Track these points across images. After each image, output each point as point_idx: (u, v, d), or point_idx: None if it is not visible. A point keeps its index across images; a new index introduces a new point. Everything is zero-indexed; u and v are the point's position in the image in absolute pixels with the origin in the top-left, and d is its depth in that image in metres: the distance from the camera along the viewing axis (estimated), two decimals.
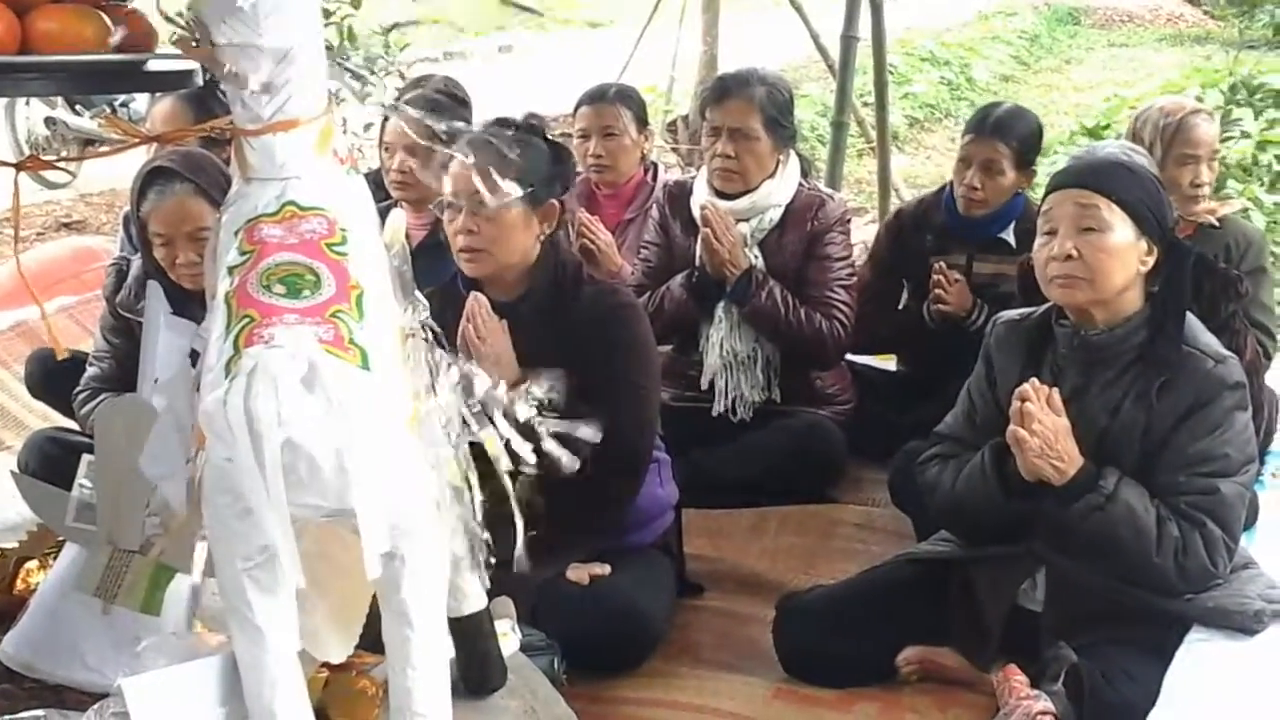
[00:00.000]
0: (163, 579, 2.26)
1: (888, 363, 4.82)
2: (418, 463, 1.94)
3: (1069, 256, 2.78)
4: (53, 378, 4.12)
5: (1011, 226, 4.31)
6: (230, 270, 1.90)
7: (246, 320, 1.82)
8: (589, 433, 2.20)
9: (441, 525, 2.00)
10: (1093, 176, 2.85)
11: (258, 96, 1.90)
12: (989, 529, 2.96)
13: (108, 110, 9.17)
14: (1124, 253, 2.79)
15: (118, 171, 7.76)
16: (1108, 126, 9.68)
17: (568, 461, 2.10)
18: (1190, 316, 2.87)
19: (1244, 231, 4.09)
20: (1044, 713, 2.60)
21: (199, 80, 2.28)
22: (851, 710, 2.96)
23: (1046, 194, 2.91)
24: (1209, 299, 3.52)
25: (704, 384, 4.18)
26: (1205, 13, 24.27)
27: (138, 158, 3.65)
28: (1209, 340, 2.85)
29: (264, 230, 1.90)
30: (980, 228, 4.34)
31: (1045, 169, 8.31)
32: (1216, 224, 4.00)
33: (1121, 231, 2.78)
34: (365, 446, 1.77)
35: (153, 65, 2.30)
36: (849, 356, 4.41)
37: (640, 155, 4.85)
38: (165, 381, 2.22)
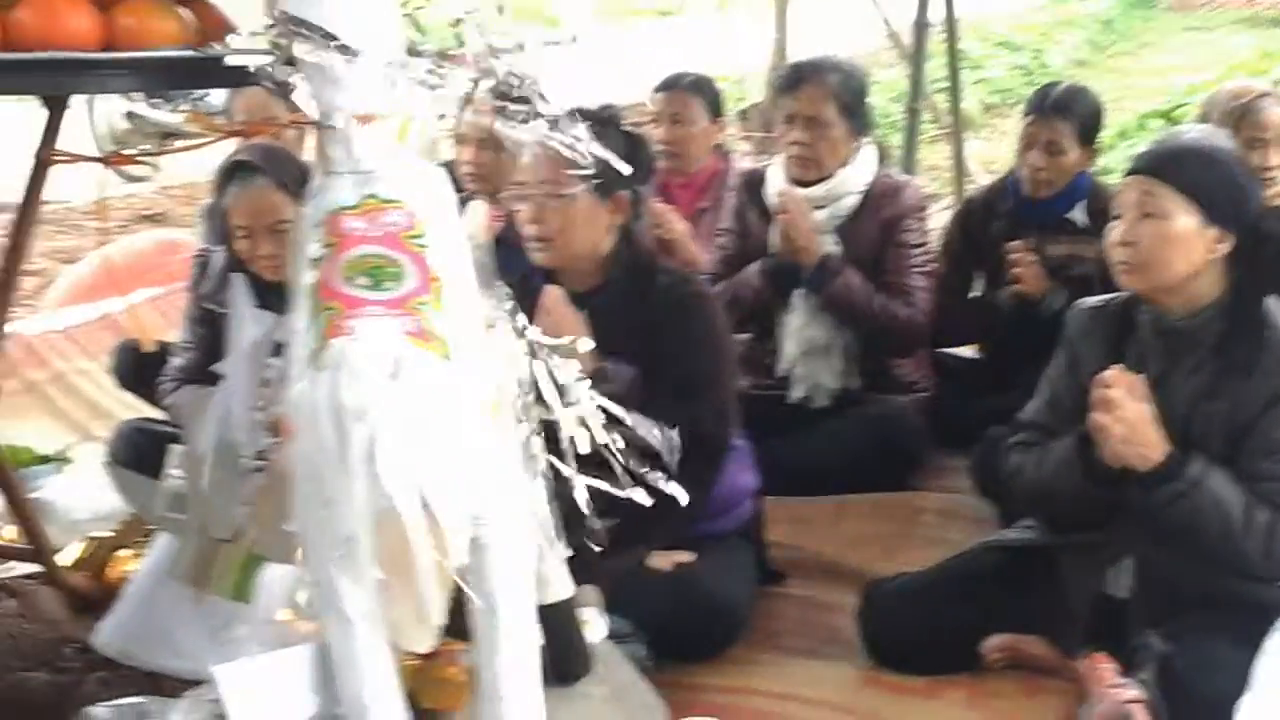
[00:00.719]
0: (253, 567, 2.29)
1: (969, 350, 4.78)
2: (500, 451, 1.95)
3: (1127, 243, 2.77)
4: (139, 368, 4.17)
5: (1080, 206, 4.28)
6: (313, 263, 1.92)
7: (331, 312, 1.84)
8: (660, 440, 2.21)
9: (525, 513, 2.01)
10: (1156, 162, 2.81)
11: (338, 91, 1.92)
12: (1074, 516, 2.93)
13: (185, 104, 9.27)
14: (1184, 240, 2.75)
15: (199, 165, 7.84)
16: (1180, 108, 9.56)
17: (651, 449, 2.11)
18: (1273, 302, 2.83)
19: None
20: (1133, 701, 2.57)
21: (279, 74, 2.30)
22: (939, 698, 2.94)
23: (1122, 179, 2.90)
24: None
25: (781, 372, 4.17)
26: None
27: (217, 151, 3.69)
28: None
29: (345, 223, 1.92)
30: (1048, 209, 4.30)
31: (1124, 152, 8.23)
32: None
33: (1182, 219, 2.74)
34: (448, 436, 1.78)
35: (232, 59, 2.33)
36: (929, 343, 4.38)
37: (711, 144, 4.83)
38: (226, 361, 2.26)
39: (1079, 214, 4.26)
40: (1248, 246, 2.79)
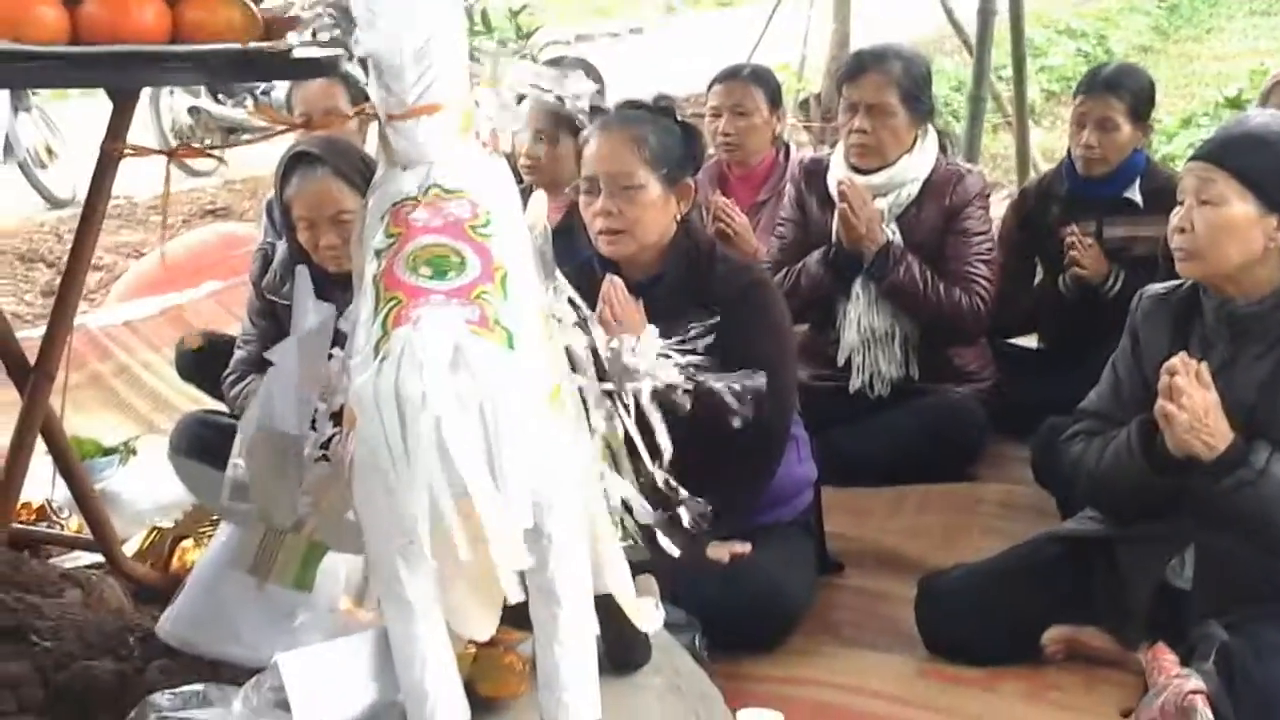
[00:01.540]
0: (314, 556, 2.30)
1: (1029, 340, 4.75)
2: (561, 441, 1.95)
3: (1183, 230, 2.75)
4: (202, 361, 4.22)
5: (1137, 185, 4.26)
6: (377, 253, 1.93)
7: (394, 302, 1.85)
8: (756, 384, 2.21)
9: (586, 503, 2.02)
10: (1216, 149, 2.80)
11: (401, 82, 1.93)
12: (1136, 506, 2.91)
13: (250, 99, 9.36)
14: (1240, 228, 2.74)
15: (260, 158, 7.93)
16: (1246, 98, 9.44)
17: (735, 407, 2.12)
18: None
19: None
20: (1195, 691, 2.55)
21: (344, 66, 2.32)
22: (997, 689, 2.94)
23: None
24: None
25: (841, 361, 4.16)
26: None
27: (280, 144, 3.72)
28: None
29: (409, 213, 1.93)
30: (1104, 189, 4.29)
31: (1189, 139, 8.13)
32: None
33: (1238, 206, 2.72)
34: (510, 425, 1.79)
35: (299, 52, 2.34)
36: (989, 334, 4.35)
37: (772, 136, 4.82)
38: (276, 348, 2.27)
39: (1135, 194, 4.24)
40: None
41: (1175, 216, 2.81)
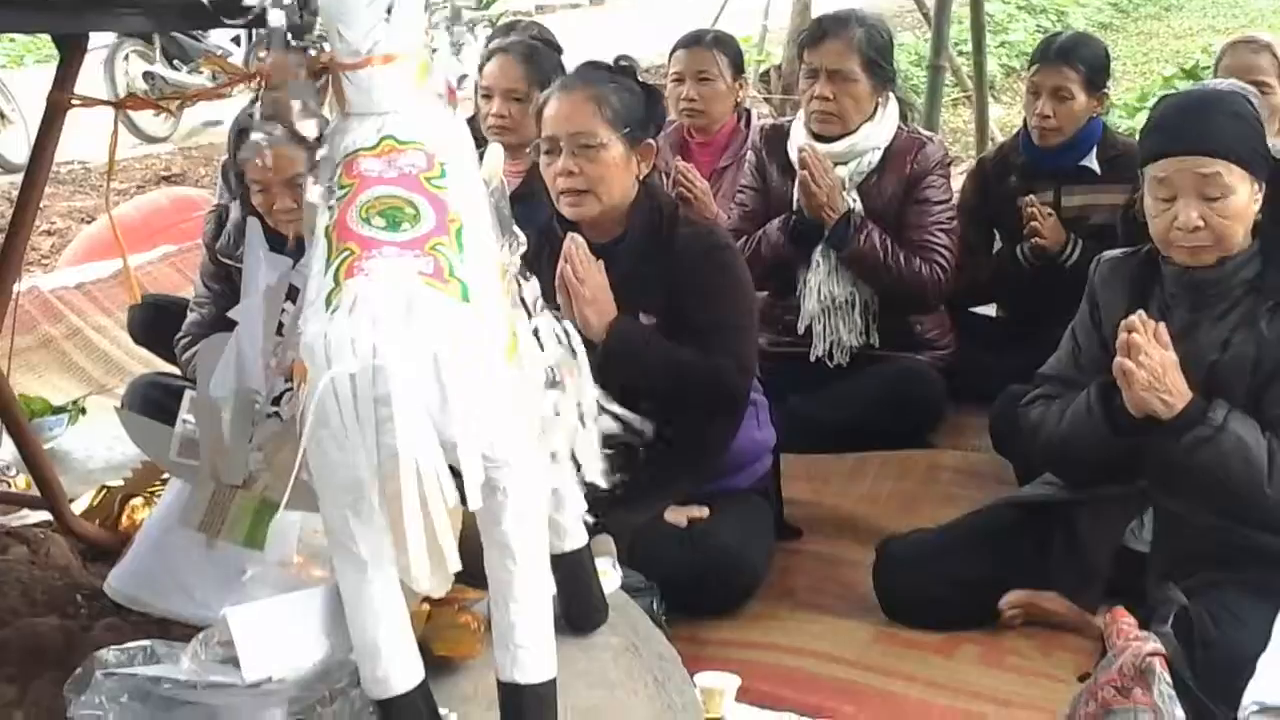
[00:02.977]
0: (266, 514, 2.26)
1: (988, 308, 4.76)
2: (517, 396, 1.93)
3: (1197, 229, 2.72)
4: (154, 324, 4.18)
5: (1093, 153, 4.28)
6: (329, 204, 1.89)
7: (346, 253, 1.81)
8: (643, 427, 2.22)
9: (541, 459, 2.00)
10: (1210, 140, 2.74)
11: (355, 30, 1.89)
12: (1095, 469, 2.91)
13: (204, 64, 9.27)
14: (1246, 209, 2.74)
15: (216, 125, 7.87)
16: (1204, 68, 9.47)
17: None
18: None
19: None
20: (1153, 654, 2.53)
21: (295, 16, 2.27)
22: (953, 654, 2.94)
23: (1154, 151, 2.81)
24: None
25: (801, 329, 4.15)
26: None
27: (235, 107, 3.67)
28: None
29: (362, 164, 1.89)
30: (1061, 158, 4.30)
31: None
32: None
33: (1242, 189, 2.72)
34: (464, 379, 1.76)
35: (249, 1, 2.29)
36: (949, 302, 4.35)
37: (734, 102, 4.80)
38: (239, 307, 2.24)
39: (1092, 162, 4.25)
40: (1272, 191, 2.77)
41: (1167, 213, 2.75)
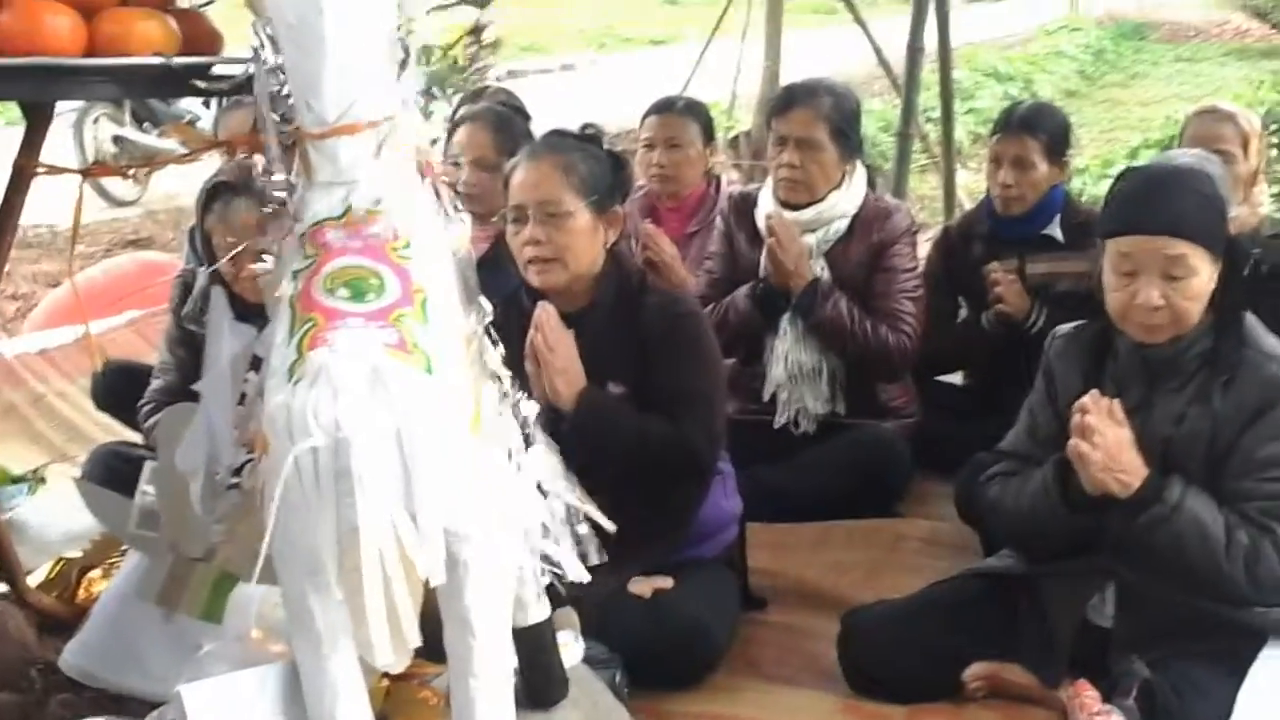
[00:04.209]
0: (225, 587, 2.25)
1: (954, 376, 4.77)
2: (480, 468, 1.92)
3: (1158, 308, 2.72)
4: (118, 390, 4.15)
5: (1056, 221, 4.30)
6: (294, 274, 1.89)
7: (310, 324, 1.81)
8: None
9: (504, 533, 1.98)
10: (1177, 222, 2.72)
11: (322, 100, 1.89)
12: (1054, 545, 2.90)
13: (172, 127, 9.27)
14: (1205, 289, 2.74)
15: (184, 188, 7.84)
16: (1172, 138, 9.56)
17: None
18: (1252, 320, 2.81)
19: None
20: None
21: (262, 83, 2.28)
22: None
23: (1119, 228, 2.79)
24: None
25: (767, 396, 4.14)
26: (1273, 26, 24.06)
27: (203, 173, 3.66)
28: (1272, 342, 2.79)
29: (328, 234, 1.90)
30: (1024, 226, 4.33)
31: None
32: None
33: (1204, 271, 2.72)
34: (426, 451, 1.75)
35: (217, 69, 2.30)
36: (915, 370, 4.35)
37: (704, 168, 4.82)
38: (205, 380, 2.23)
39: (1056, 230, 4.28)
40: (1227, 267, 2.78)
41: (1128, 289, 2.75)
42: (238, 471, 2.19)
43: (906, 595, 3.21)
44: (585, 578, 2.18)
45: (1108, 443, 2.68)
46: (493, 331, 2.09)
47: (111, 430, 4.42)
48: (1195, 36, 23.88)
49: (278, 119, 1.99)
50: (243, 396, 2.24)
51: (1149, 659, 2.68)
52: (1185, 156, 3.42)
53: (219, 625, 2.22)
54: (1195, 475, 2.74)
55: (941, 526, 3.95)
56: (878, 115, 11.35)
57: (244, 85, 2.04)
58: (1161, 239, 2.72)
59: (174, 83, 2.32)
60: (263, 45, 1.96)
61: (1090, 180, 8.84)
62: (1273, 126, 7.25)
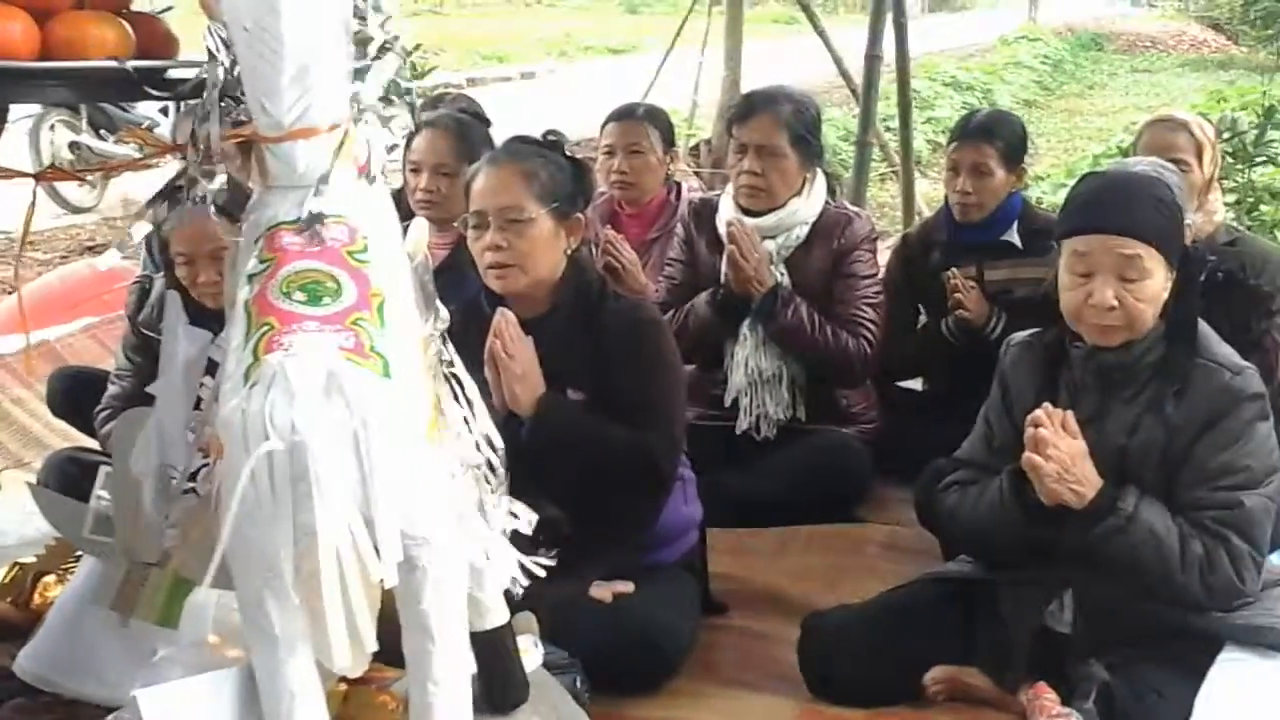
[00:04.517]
0: (181, 592, 2.24)
1: (913, 381, 4.79)
2: (437, 472, 1.91)
3: (1112, 308, 2.74)
4: (74, 396, 4.13)
5: (1014, 228, 4.33)
6: (250, 278, 1.88)
7: (266, 328, 1.80)
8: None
9: (462, 536, 1.98)
10: (1136, 223, 2.74)
11: (278, 104, 1.88)
12: (1011, 554, 2.91)
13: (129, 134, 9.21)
14: (1159, 293, 2.76)
15: (141, 195, 7.80)
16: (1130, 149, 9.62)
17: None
18: (1205, 328, 2.83)
19: (1262, 251, 4.02)
20: None
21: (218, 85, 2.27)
22: None
23: (1076, 227, 2.81)
24: (1239, 315, 3.49)
25: (728, 402, 4.15)
26: (1229, 38, 24.28)
27: (161, 178, 3.63)
28: (1225, 351, 2.81)
29: (284, 238, 1.89)
30: (983, 233, 4.35)
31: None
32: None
33: (1159, 274, 2.74)
34: (383, 455, 1.74)
35: (173, 73, 2.29)
36: (875, 376, 4.37)
37: (665, 175, 4.82)
38: (160, 384, 2.21)
39: (1014, 237, 4.31)
40: (1180, 272, 2.80)
41: (1082, 289, 2.76)
42: (193, 476, 2.17)
43: (866, 600, 3.21)
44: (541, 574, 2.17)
45: (1061, 455, 2.69)
46: (447, 338, 2.08)
47: (68, 436, 4.40)
48: (1152, 48, 24.11)
49: (232, 122, 1.98)
50: (199, 401, 2.23)
51: (1107, 662, 2.69)
52: (1142, 165, 3.44)
53: (175, 630, 2.20)
54: (1150, 484, 2.76)
55: (901, 531, 3.96)
56: (838, 124, 11.41)
57: (200, 89, 2.03)
58: (1118, 238, 2.73)
59: (129, 87, 2.30)
60: (218, 49, 1.95)
61: (1049, 189, 8.91)
62: (1226, 134, 7.30)
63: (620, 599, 3.12)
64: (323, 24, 1.89)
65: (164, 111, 8.94)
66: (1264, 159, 7.49)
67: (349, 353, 1.78)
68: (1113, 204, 2.80)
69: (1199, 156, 3.99)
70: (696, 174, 8.77)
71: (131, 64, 2.28)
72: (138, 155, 2.35)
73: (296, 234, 1.89)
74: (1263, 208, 7.50)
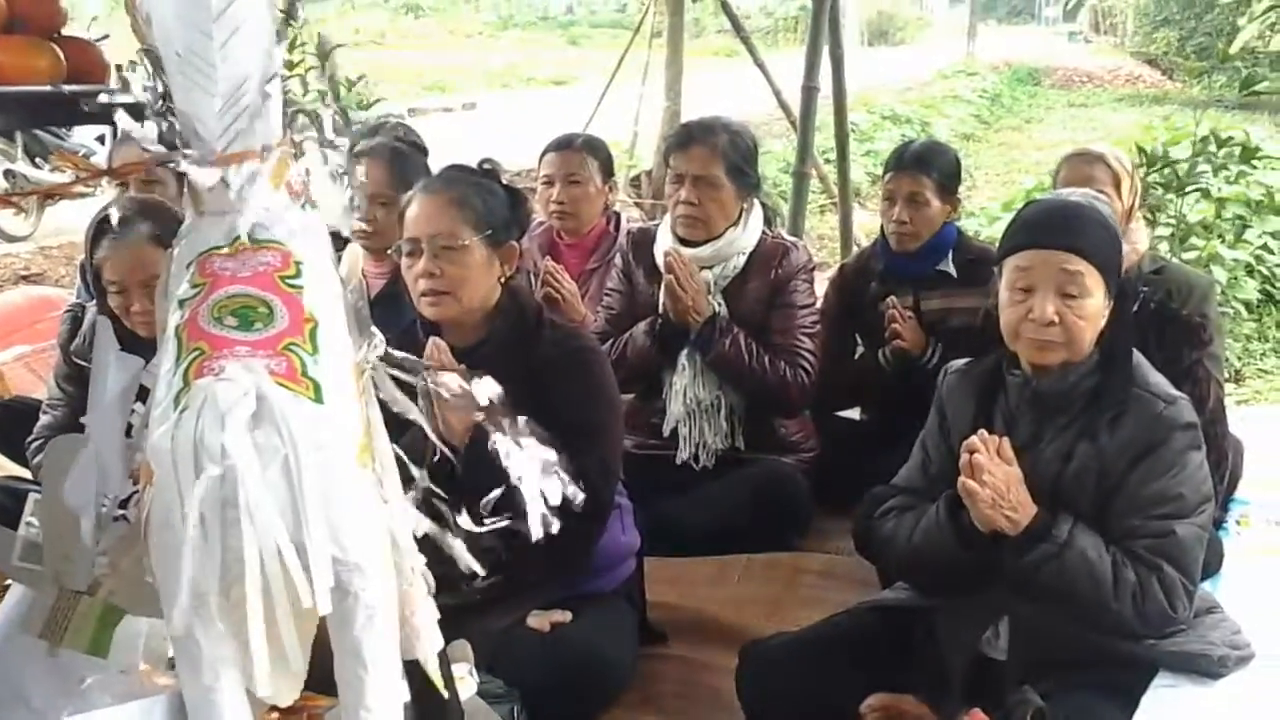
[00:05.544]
0: (111, 619, 2.20)
1: (851, 411, 4.81)
2: (370, 499, 1.90)
3: (1052, 323, 2.76)
4: (6, 426, 4.08)
5: (950, 258, 4.37)
6: (181, 303, 1.86)
7: (197, 353, 1.78)
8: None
9: (395, 563, 1.96)
10: (1079, 240, 2.77)
11: (210, 129, 1.87)
12: (947, 581, 2.92)
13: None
14: (1098, 315, 2.78)
15: (76, 224, 7.74)
16: None
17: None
18: (1139, 358, 2.85)
19: (1187, 278, 4.05)
20: None
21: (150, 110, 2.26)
22: None
23: (1020, 244, 2.83)
24: (1171, 345, 3.52)
25: (666, 431, 4.16)
26: (1164, 73, 24.62)
27: (95, 206, 3.61)
28: (1158, 381, 2.84)
29: (216, 263, 1.87)
30: (918, 263, 4.39)
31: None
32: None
33: (1098, 294, 2.76)
34: (314, 480, 1.73)
35: (105, 98, 2.28)
36: (813, 405, 4.38)
37: (604, 205, 4.84)
38: (92, 413, 2.19)
39: (949, 266, 4.35)
40: (1117, 305, 2.82)
41: (1022, 305, 2.78)
42: (124, 503, 2.15)
43: (805, 627, 3.22)
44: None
45: (996, 480, 2.71)
46: (395, 361, 2.08)
47: (1, 467, 4.33)
48: (1088, 83, 24.39)
49: (164, 148, 1.97)
50: (129, 428, 2.20)
51: (1042, 688, 2.70)
52: (1078, 194, 3.48)
53: (105, 659, 2.17)
54: (1084, 512, 2.78)
55: (839, 560, 3.97)
56: (778, 156, 11.48)
57: (132, 113, 2.01)
58: (1062, 253, 2.76)
59: (61, 110, 2.29)
60: (149, 74, 1.94)
61: (985, 222, 8.98)
62: (1159, 166, 7.40)
63: (558, 628, 3.12)
64: (254, 49, 1.88)
65: (100, 140, 8.89)
66: (1195, 188, 7.60)
67: (280, 378, 1.76)
68: (1059, 222, 2.83)
69: (1117, 187, 4.03)
70: (637, 205, 8.81)
71: (65, 87, 2.27)
72: (67, 167, 2.33)
73: (228, 259, 1.87)
74: (1194, 239, 7.60)
